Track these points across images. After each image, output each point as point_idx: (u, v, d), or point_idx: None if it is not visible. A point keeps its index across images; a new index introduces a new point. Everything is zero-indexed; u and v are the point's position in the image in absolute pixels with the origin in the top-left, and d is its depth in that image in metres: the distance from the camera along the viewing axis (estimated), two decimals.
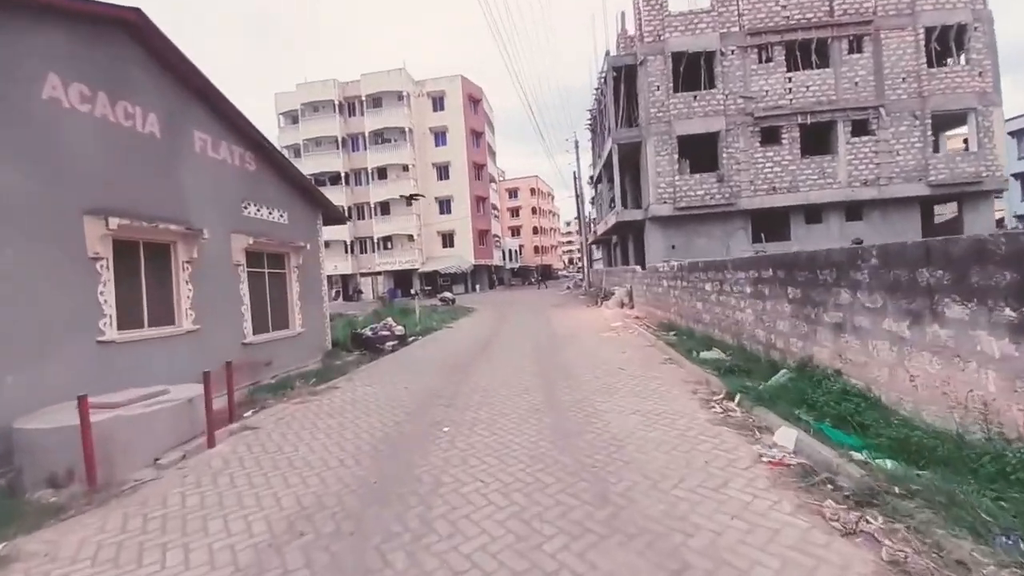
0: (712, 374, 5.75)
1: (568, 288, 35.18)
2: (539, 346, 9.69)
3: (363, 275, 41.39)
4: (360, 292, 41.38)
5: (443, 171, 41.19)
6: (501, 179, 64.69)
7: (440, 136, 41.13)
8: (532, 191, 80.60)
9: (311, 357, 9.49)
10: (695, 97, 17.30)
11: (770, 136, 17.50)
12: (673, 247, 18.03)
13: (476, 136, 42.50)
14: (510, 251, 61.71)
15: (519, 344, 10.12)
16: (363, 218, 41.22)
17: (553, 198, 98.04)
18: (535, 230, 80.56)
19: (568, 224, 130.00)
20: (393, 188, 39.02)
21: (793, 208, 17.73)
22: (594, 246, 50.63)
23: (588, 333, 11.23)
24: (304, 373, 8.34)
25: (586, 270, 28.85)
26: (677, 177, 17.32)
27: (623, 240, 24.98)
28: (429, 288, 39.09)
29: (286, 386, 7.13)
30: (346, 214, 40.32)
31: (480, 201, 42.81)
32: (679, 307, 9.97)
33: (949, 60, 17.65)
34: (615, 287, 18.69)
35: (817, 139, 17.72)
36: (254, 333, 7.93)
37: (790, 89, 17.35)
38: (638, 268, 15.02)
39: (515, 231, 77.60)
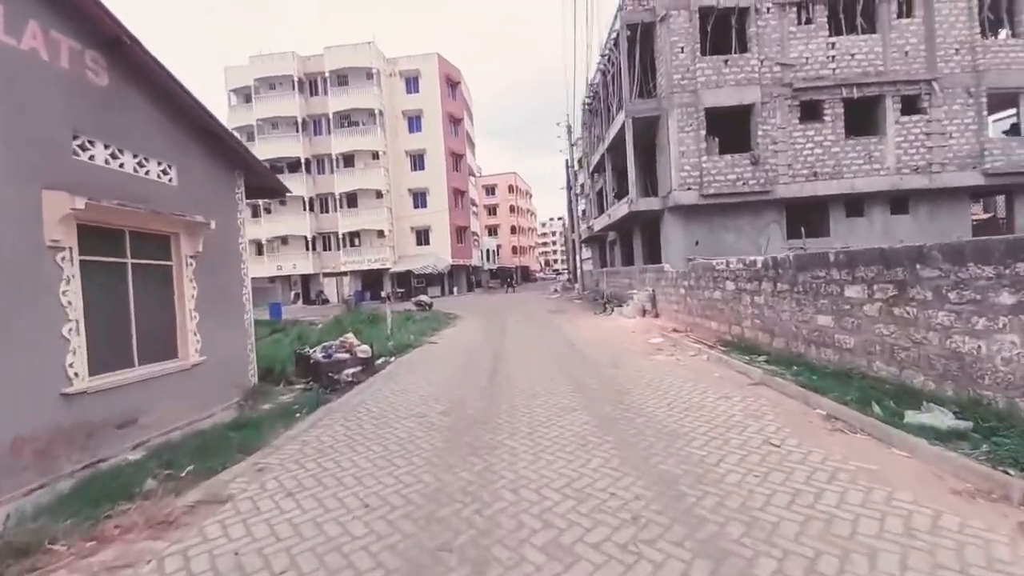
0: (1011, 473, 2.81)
1: (556, 291, 32.32)
2: (574, 377, 6.61)
3: (327, 275, 37.25)
4: (321, 293, 37.21)
5: (417, 160, 37.59)
6: (478, 175, 61.42)
7: (414, 121, 37.52)
8: (510, 188, 77.83)
9: (219, 401, 6.06)
10: (726, 62, 14.67)
11: (811, 112, 15.08)
12: (697, 243, 15.34)
13: (454, 122, 39.12)
14: (487, 251, 58.52)
15: (541, 373, 7.01)
16: (327, 211, 37.12)
17: (531, 196, 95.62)
18: (513, 229, 77.79)
19: (543, 225, 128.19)
20: (361, 178, 35.16)
21: (833, 199, 15.38)
22: (583, 245, 48.33)
23: (628, 353, 8.25)
24: (192, 438, 4.93)
25: (579, 272, 26.05)
26: (704, 158, 14.63)
27: (626, 237, 22.24)
28: (402, 291, 35.42)
29: (124, 492, 3.57)
30: (308, 206, 36.19)
31: (458, 194, 39.44)
32: (762, 320, 7.11)
33: (1001, 32, 15.75)
34: (629, 291, 15.85)
35: (862, 117, 15.43)
36: (93, 373, 4.47)
37: (833, 57, 14.98)
38: (667, 267, 12.18)
39: (492, 230, 74.51)
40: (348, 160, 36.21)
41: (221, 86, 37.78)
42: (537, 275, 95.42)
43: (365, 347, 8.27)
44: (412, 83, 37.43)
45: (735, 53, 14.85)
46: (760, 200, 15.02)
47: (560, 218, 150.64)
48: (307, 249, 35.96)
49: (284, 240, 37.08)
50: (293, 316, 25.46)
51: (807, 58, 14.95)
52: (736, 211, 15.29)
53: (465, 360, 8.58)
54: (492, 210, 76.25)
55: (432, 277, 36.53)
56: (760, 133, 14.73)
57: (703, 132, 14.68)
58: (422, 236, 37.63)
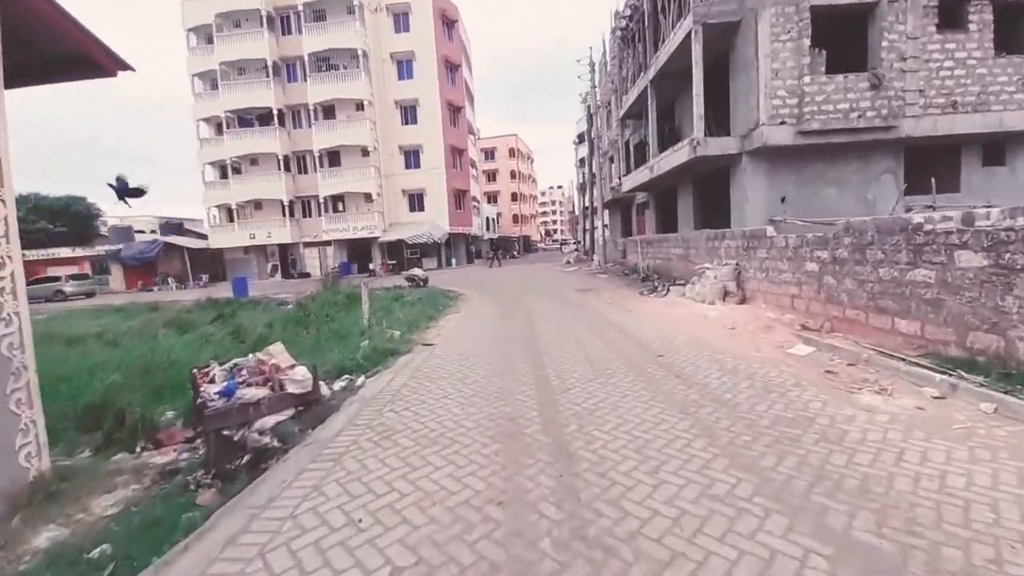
0: None
1: (569, 263, 28.51)
2: (759, 471, 2.97)
3: (307, 245, 33.19)
4: (295, 264, 33.26)
5: (409, 112, 32.90)
6: (477, 135, 56.38)
7: (404, 65, 32.59)
8: (511, 152, 72.85)
9: None
10: None
11: (951, 17, 10.93)
12: (783, 200, 11.47)
13: (451, 68, 34.19)
14: (488, 219, 54.32)
15: (658, 439, 3.36)
16: (305, 171, 32.68)
17: (532, 161, 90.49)
18: (514, 196, 73.35)
19: (543, 194, 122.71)
20: (344, 132, 30.58)
21: (968, 141, 11.46)
22: (590, 212, 43.73)
23: (783, 388, 4.55)
24: None
25: (599, 241, 22.17)
26: (807, 79, 10.56)
27: (665, 197, 18.26)
28: (393, 263, 31.54)
29: None
30: (283, 165, 31.74)
31: (457, 153, 34.94)
32: None
33: None
34: (684, 264, 12.07)
35: (1015, 26, 11.30)
36: None
37: None
38: (770, 231, 8.36)
39: (492, 197, 70.03)
40: (328, 111, 31.50)
41: (178, 24, 32.51)
42: (538, 245, 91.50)
43: (302, 371, 4.51)
44: (402, 20, 32.27)
45: None
46: (874, 140, 11.06)
47: (560, 186, 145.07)
48: (284, 215, 31.74)
49: (257, 205, 32.80)
50: (262, 293, 21.69)
51: None
52: (840, 155, 11.35)
53: (484, 387, 4.89)
54: (492, 175, 71.57)
55: (428, 247, 32.57)
56: (884, 45, 10.61)
57: (807, 41, 10.54)
58: (415, 201, 33.40)
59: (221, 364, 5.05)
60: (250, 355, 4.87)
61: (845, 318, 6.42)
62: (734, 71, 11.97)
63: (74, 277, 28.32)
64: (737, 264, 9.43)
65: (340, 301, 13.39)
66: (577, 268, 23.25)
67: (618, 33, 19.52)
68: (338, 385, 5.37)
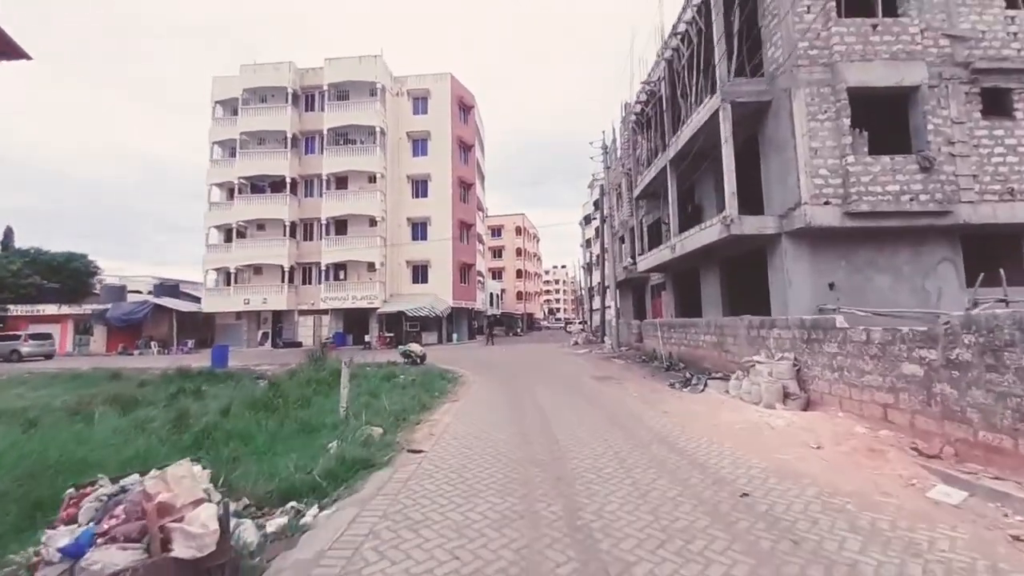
0: None
1: (577, 343, 26.87)
2: None
3: (303, 313, 31.90)
4: (280, 333, 31.63)
5: (420, 186, 33.42)
6: (486, 213, 57.68)
7: (420, 144, 33.73)
8: (518, 230, 74.45)
9: None
10: (875, 27, 10.23)
11: (996, 103, 10.48)
12: (832, 286, 10.20)
13: (464, 148, 35.39)
14: (492, 295, 53.64)
15: None
16: (310, 238, 32.43)
17: (538, 241, 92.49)
18: (519, 273, 73.58)
19: (547, 272, 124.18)
20: (354, 202, 30.74)
21: None
22: (596, 292, 42.88)
23: None
24: None
25: (613, 323, 20.79)
26: (851, 159, 9.81)
27: (685, 279, 17.19)
28: (391, 335, 29.96)
29: None
30: (289, 231, 31.51)
31: (465, 227, 34.96)
32: None
33: None
34: (720, 355, 10.53)
35: None
36: None
37: (1015, 34, 10.61)
38: (840, 320, 6.94)
39: (497, 273, 70.29)
40: (341, 182, 31.97)
41: (206, 96, 34.36)
42: (542, 323, 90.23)
43: (205, 515, 2.83)
44: (420, 104, 34.02)
45: (885, 16, 10.45)
46: (928, 226, 10.06)
47: (564, 266, 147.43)
48: (283, 281, 30.86)
49: (257, 270, 32.10)
50: (244, 364, 19.94)
51: (983, 32, 10.56)
52: (890, 242, 10.28)
53: (494, 549, 3.15)
54: (498, 252, 72.52)
55: (428, 321, 31.19)
56: (930, 128, 10.01)
57: (846, 120, 9.95)
58: (419, 272, 32.69)
59: (115, 480, 3.42)
60: (139, 478, 3.21)
61: (978, 443, 4.75)
62: (766, 151, 11.37)
63: (33, 336, 26.69)
64: (796, 359, 7.87)
65: (323, 379, 11.73)
66: (588, 351, 21.59)
67: (632, 118, 19.86)
68: (275, 524, 3.60)
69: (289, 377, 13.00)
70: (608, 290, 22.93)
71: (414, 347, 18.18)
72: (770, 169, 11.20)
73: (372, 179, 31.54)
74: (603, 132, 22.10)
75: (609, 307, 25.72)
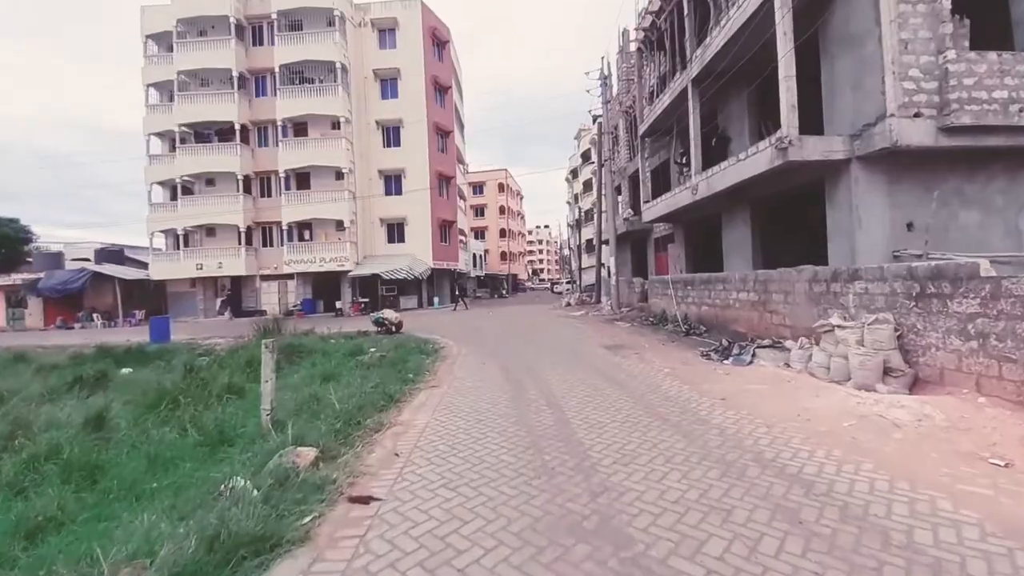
0: None
1: (570, 304, 24.89)
2: None
3: (266, 278, 28.97)
4: (226, 304, 28.81)
5: (392, 134, 29.93)
6: (467, 167, 54.06)
7: (389, 85, 29.92)
8: (500, 187, 71.12)
9: None
10: None
11: None
12: (910, 227, 8.12)
13: (440, 90, 31.69)
14: (475, 255, 51.11)
15: None
16: (268, 194, 29.01)
17: (522, 199, 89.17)
18: (503, 233, 70.88)
19: (530, 232, 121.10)
20: (315, 152, 27.24)
21: None
22: (585, 250, 40.31)
23: None
24: None
25: (613, 281, 18.66)
26: (951, 54, 7.46)
27: (698, 229, 15.03)
28: (365, 301, 27.47)
29: None
30: (242, 186, 28.00)
31: (444, 180, 31.87)
32: None
33: None
34: (776, 317, 8.50)
35: None
36: None
37: None
38: (985, 266, 4.88)
39: (479, 233, 67.46)
40: (299, 128, 28.27)
41: (137, 32, 29.48)
42: (526, 284, 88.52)
43: None
44: (388, 36, 29.90)
45: None
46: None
47: (547, 226, 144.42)
48: (240, 243, 27.66)
49: (210, 231, 28.74)
50: (192, 337, 17.38)
51: None
52: (982, 166, 8.16)
53: None
54: (480, 210, 69.42)
55: (407, 284, 28.71)
56: None
57: (947, 4, 7.52)
58: (395, 231, 29.82)
59: None
60: None
61: None
62: (831, 52, 8.90)
63: None
64: (898, 323, 5.82)
65: (285, 354, 9.45)
66: (584, 312, 19.58)
67: (634, 45, 16.88)
68: None
69: (230, 355, 10.69)
70: (606, 245, 20.69)
71: (388, 314, 15.85)
72: (836, 75, 8.78)
73: (335, 125, 27.90)
74: (602, 58, 19.11)
75: (606, 265, 23.67)
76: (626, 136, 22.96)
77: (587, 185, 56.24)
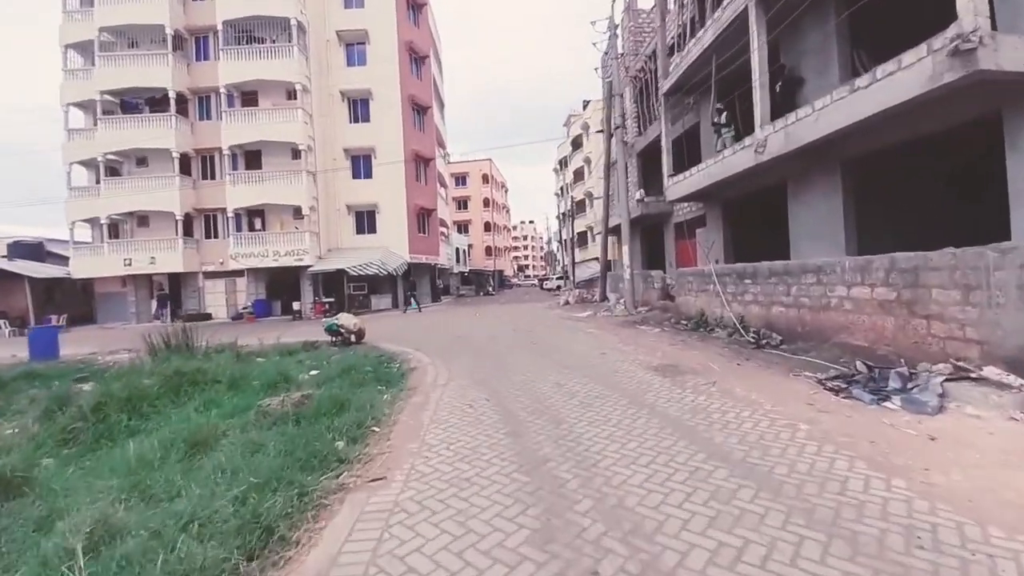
0: None
1: (569, 303, 21.65)
2: None
3: (210, 275, 24.93)
4: (177, 305, 24.73)
5: (359, 107, 26.12)
6: (447, 154, 50.24)
7: (356, 50, 26.08)
8: (485, 178, 67.68)
9: None
10: None
11: None
12: None
13: (417, 59, 28.00)
14: (458, 250, 47.59)
15: None
16: (211, 176, 24.93)
17: (507, 191, 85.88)
18: (487, 226, 67.48)
19: (515, 228, 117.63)
20: (267, 126, 23.31)
21: None
22: (577, 243, 37.22)
23: None
24: None
25: (627, 275, 15.39)
26: None
27: (744, 207, 11.89)
28: (330, 301, 23.74)
29: None
30: (179, 166, 23.87)
31: (422, 163, 28.24)
32: None
33: None
34: (945, 325, 5.29)
35: None
36: None
37: None
38: None
39: (462, 227, 63.97)
40: (248, 98, 24.28)
41: None
42: (512, 281, 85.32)
43: None
44: None
45: None
46: None
47: (532, 221, 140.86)
48: (177, 234, 23.55)
49: (143, 220, 24.54)
50: (97, 350, 13.56)
51: None
52: None
53: None
54: (463, 203, 65.86)
55: (379, 281, 25.07)
56: None
57: None
58: (365, 220, 26.07)
59: None
60: None
61: None
62: None
63: None
64: None
65: (164, 388, 6.07)
66: (591, 313, 16.31)
67: None
68: None
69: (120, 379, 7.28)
70: (614, 235, 17.45)
71: (345, 320, 12.27)
72: None
73: (291, 94, 23.99)
74: (612, 3, 15.80)
75: (614, 257, 20.53)
76: (634, 108, 19.78)
77: (578, 174, 53.12)
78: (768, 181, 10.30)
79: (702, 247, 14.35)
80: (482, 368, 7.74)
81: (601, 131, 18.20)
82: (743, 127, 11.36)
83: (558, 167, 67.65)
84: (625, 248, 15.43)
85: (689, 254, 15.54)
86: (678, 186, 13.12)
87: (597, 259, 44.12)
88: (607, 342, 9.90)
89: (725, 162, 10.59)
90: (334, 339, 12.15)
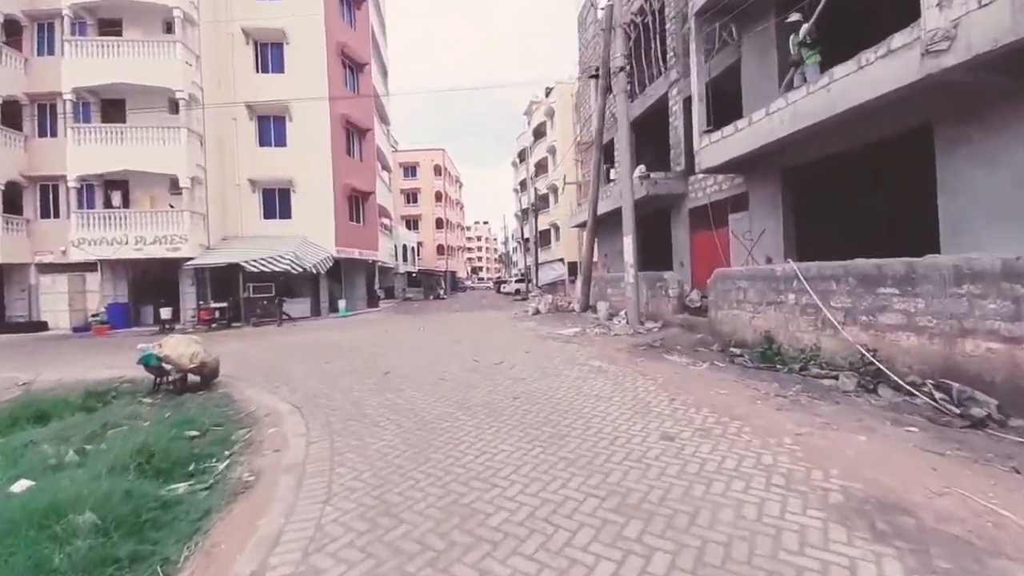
0: None
1: (539, 312, 17.24)
2: None
3: (47, 268, 18.30)
4: None
5: (269, 53, 20.42)
6: (393, 148, 44.61)
7: None
8: (437, 169, 62.46)
9: None
10: None
11: None
12: None
13: (349, 1, 22.61)
14: (406, 247, 42.23)
15: None
16: (53, 133, 18.40)
17: (461, 186, 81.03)
18: (439, 223, 62.30)
19: (469, 228, 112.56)
20: (133, 63, 17.17)
21: None
22: (539, 243, 32.49)
23: None
24: None
25: (630, 280, 11.09)
26: None
27: (814, 180, 7.94)
28: (222, 306, 17.94)
29: None
30: (1, 118, 16.87)
31: (355, 133, 22.87)
32: None
33: None
34: None
35: None
36: None
37: None
38: None
39: (412, 223, 58.51)
40: (109, 26, 17.95)
41: None
42: (467, 283, 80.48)
43: None
44: None
45: None
46: None
47: (487, 222, 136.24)
48: None
49: None
50: None
51: None
52: None
53: None
54: (412, 196, 60.32)
55: (296, 282, 19.49)
56: None
57: None
58: (276, 200, 20.37)
59: None
60: None
61: None
62: None
63: None
64: None
65: None
66: (578, 329, 11.90)
67: None
68: None
69: None
70: (625, 223, 13.21)
71: (175, 347, 7.02)
72: None
73: (169, 26, 17.97)
74: None
75: (625, 256, 16.38)
76: (623, 65, 15.65)
77: (540, 167, 49.07)
78: (890, 128, 6.31)
79: (740, 239, 10.35)
80: (425, 491, 3.04)
81: (595, 76, 13.87)
82: (828, 54, 7.43)
83: (517, 160, 63.43)
84: (627, 241, 11.18)
85: (712, 250, 11.55)
86: (717, 147, 9.02)
87: (562, 260, 40.30)
88: (641, 394, 5.49)
89: (812, 100, 6.52)
90: (158, 380, 6.99)
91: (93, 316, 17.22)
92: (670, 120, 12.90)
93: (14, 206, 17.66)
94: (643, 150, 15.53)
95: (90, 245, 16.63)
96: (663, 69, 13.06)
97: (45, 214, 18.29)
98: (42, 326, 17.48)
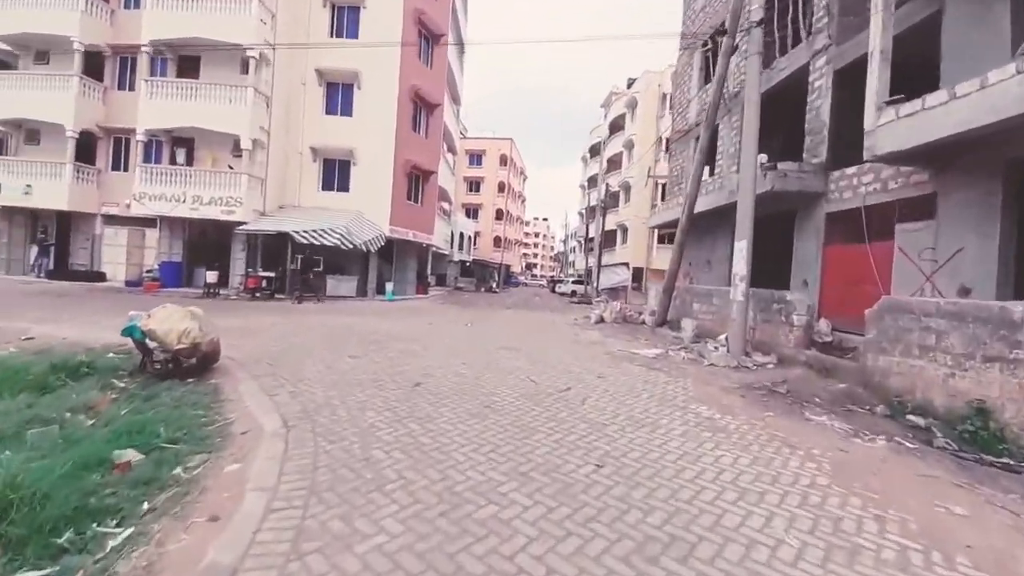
0: None
1: (604, 321, 14.98)
2: None
3: (112, 220, 18.46)
4: (59, 257, 18.36)
5: (344, 16, 19.48)
6: (461, 135, 43.42)
7: None
8: (503, 159, 60.94)
9: None
10: None
11: None
12: None
13: None
14: (463, 235, 41.10)
15: None
16: (128, 86, 18.48)
17: (525, 179, 79.17)
18: (499, 214, 60.76)
19: (528, 223, 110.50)
20: (207, 17, 16.72)
21: None
22: (748, 221, 29.19)
23: None
24: None
25: (740, 296, 8.63)
26: None
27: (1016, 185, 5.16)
28: (270, 275, 17.20)
29: None
30: (83, 66, 17.22)
31: (423, 107, 21.57)
32: None
33: None
34: None
35: None
36: None
37: None
38: None
39: (472, 211, 57.48)
40: None
41: None
42: (520, 278, 78.89)
43: None
44: None
45: None
46: None
47: (546, 219, 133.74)
48: (68, 158, 17.06)
49: (31, 135, 18.13)
50: None
51: None
52: None
53: None
54: (474, 185, 59.26)
55: (345, 258, 18.53)
56: None
57: None
58: (336, 171, 19.48)
59: None
60: None
61: None
62: None
63: None
64: None
65: None
66: (662, 352, 9.60)
67: None
68: None
69: None
70: (741, 219, 10.76)
71: (162, 322, 5.64)
72: None
73: None
74: None
75: (737, 261, 13.88)
76: (761, 18, 12.94)
77: (613, 163, 46.20)
78: None
79: (912, 258, 7.60)
80: None
81: (706, 46, 11.30)
82: None
83: (587, 156, 60.61)
84: (740, 246, 8.72)
85: (858, 269, 8.81)
86: (910, 124, 6.38)
87: (626, 264, 37.35)
88: (812, 495, 3.25)
89: None
90: (145, 360, 5.64)
91: (147, 272, 17.09)
92: (808, 100, 10.16)
93: (88, 156, 17.91)
94: (761, 139, 12.76)
95: (150, 200, 16.40)
96: (805, 35, 10.34)
97: (116, 166, 18.46)
98: (101, 277, 17.61)
